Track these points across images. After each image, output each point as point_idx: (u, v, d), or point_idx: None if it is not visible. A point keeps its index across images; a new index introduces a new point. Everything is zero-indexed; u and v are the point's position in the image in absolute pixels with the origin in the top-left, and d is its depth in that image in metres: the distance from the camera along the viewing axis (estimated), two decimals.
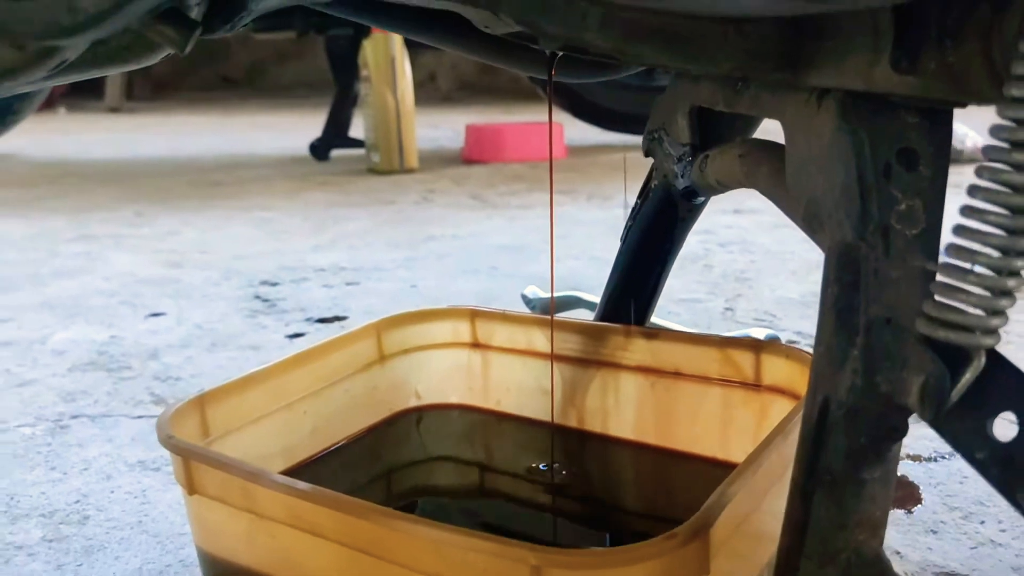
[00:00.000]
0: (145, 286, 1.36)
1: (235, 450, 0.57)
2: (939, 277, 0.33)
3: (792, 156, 0.40)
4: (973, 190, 0.31)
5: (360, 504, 0.43)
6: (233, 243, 1.65)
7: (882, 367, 0.34)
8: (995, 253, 0.30)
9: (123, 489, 0.71)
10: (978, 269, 0.31)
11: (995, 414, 0.32)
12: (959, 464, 0.70)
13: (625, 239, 0.64)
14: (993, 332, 0.31)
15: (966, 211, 0.31)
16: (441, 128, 3.68)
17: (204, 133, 3.78)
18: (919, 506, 0.65)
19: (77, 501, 0.69)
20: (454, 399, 0.71)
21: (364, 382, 0.68)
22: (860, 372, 0.35)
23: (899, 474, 0.70)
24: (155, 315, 1.20)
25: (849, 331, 0.35)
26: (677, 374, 0.62)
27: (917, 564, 0.58)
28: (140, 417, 0.85)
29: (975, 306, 0.31)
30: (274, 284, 1.34)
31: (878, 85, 0.34)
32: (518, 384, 0.69)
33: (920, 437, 0.75)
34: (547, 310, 1.13)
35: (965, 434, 0.33)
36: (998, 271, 0.30)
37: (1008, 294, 0.31)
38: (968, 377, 0.32)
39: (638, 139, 0.63)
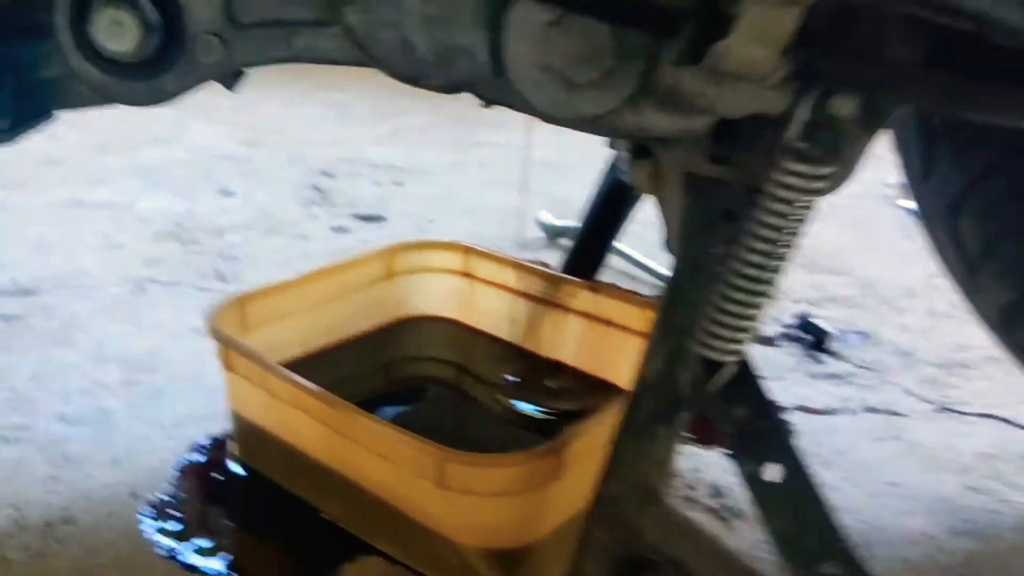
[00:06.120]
0: (220, 162, 1.55)
1: (266, 338, 0.76)
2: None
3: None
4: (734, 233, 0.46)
5: (333, 398, 0.62)
6: (303, 126, 1.82)
7: (677, 362, 0.51)
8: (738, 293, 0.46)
9: (186, 349, 0.91)
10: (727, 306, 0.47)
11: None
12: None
13: (590, 205, 0.79)
14: (734, 353, 0.47)
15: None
16: None
17: None
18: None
19: (151, 354, 0.90)
20: (445, 314, 0.89)
21: (374, 294, 0.86)
22: (664, 363, 0.51)
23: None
24: (226, 194, 1.39)
25: (670, 333, 0.52)
26: (609, 323, 0.78)
27: None
28: (204, 290, 1.05)
29: (724, 331, 0.47)
30: (331, 176, 1.52)
31: (704, 171, 0.50)
32: (494, 310, 0.87)
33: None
34: (556, 234, 1.29)
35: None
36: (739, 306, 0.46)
37: (743, 329, 0.47)
38: (718, 379, 0.48)
39: None
